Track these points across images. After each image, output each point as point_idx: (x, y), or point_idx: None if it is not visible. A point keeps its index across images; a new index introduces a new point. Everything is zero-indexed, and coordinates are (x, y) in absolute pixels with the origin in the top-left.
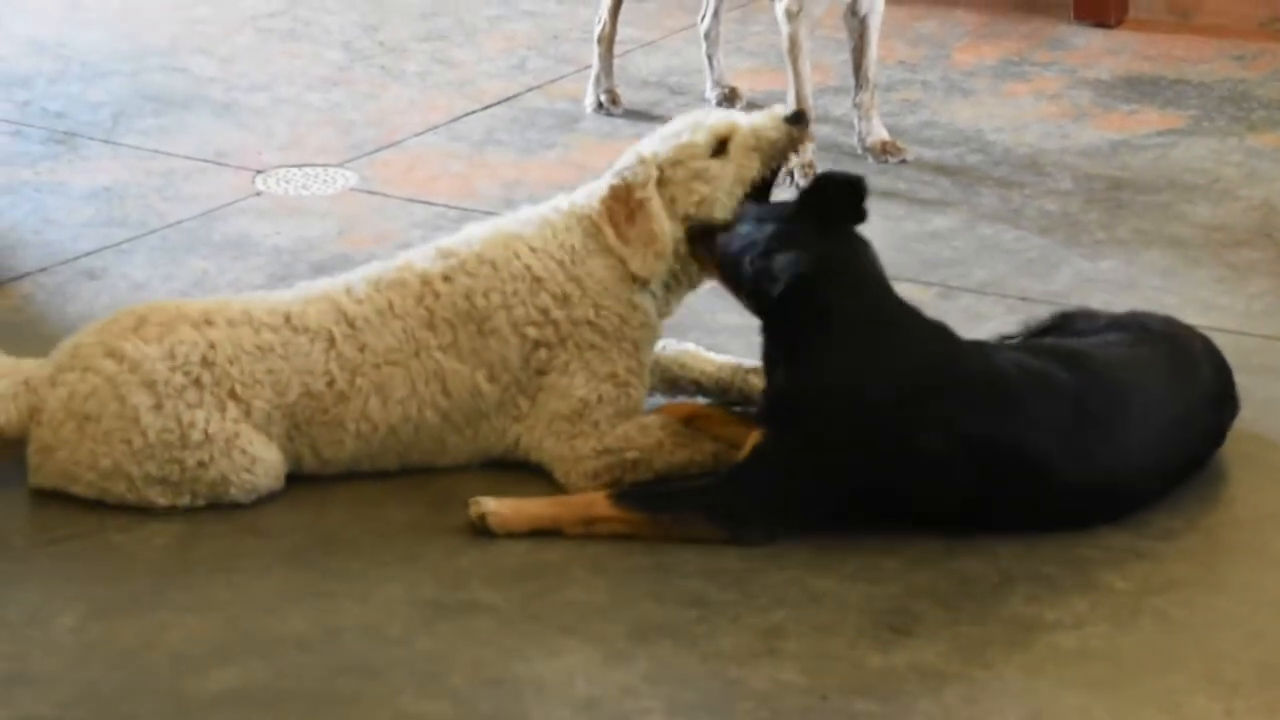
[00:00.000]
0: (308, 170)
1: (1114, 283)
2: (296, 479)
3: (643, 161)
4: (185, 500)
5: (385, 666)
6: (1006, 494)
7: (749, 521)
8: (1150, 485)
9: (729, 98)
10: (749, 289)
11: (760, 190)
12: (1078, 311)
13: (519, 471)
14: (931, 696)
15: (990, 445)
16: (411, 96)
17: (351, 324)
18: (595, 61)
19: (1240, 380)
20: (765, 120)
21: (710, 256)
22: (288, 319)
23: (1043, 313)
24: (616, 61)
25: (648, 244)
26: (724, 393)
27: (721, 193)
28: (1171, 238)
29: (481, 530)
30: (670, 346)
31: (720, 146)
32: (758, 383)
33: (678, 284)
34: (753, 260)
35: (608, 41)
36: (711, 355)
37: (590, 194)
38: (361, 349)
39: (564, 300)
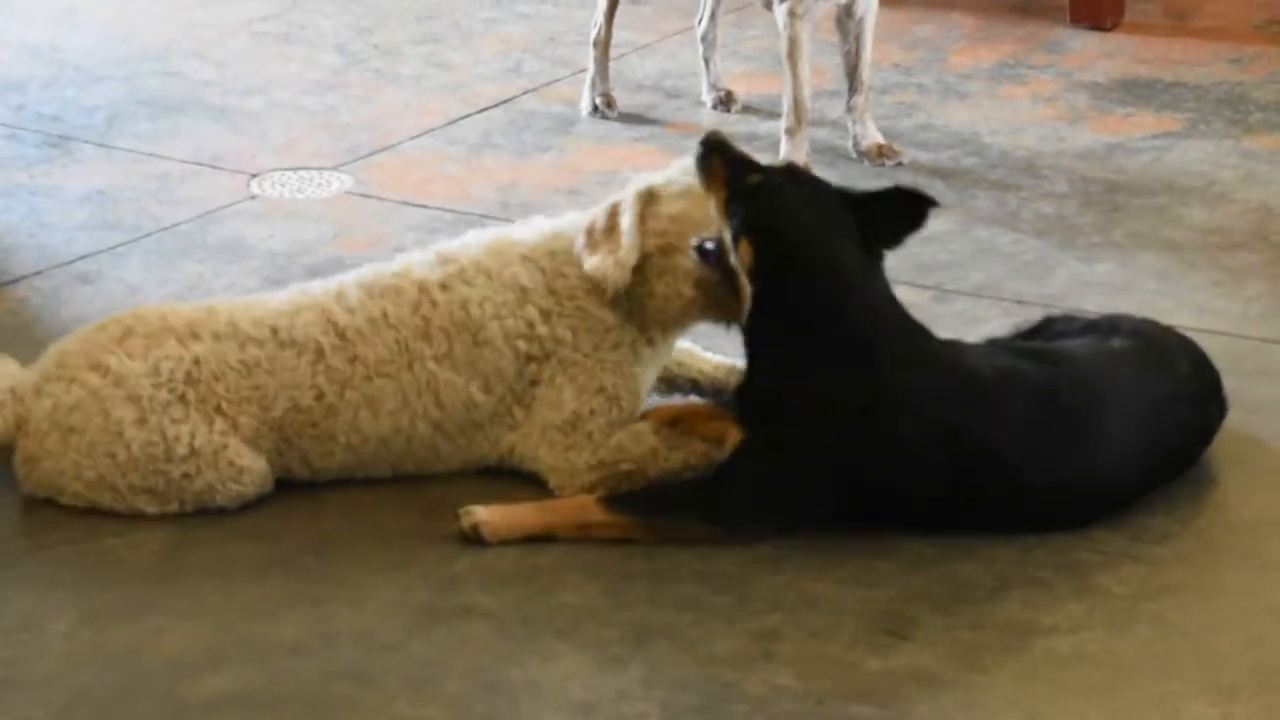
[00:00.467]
0: (303, 173)
1: (1110, 286)
2: (289, 485)
3: (646, 181)
4: (174, 507)
5: (379, 672)
6: (982, 490)
7: (740, 521)
8: (1128, 478)
9: (725, 101)
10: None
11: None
12: (1059, 316)
13: (512, 476)
14: (928, 701)
15: (965, 442)
16: (406, 100)
17: (342, 335)
18: (590, 65)
19: (1235, 383)
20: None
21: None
22: (275, 332)
23: (1038, 316)
24: (612, 65)
25: (610, 250)
26: (720, 393)
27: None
28: (1167, 241)
29: (474, 540)
30: None
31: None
32: None
33: (657, 314)
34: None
35: (603, 45)
36: (708, 355)
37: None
38: (352, 361)
39: (546, 316)
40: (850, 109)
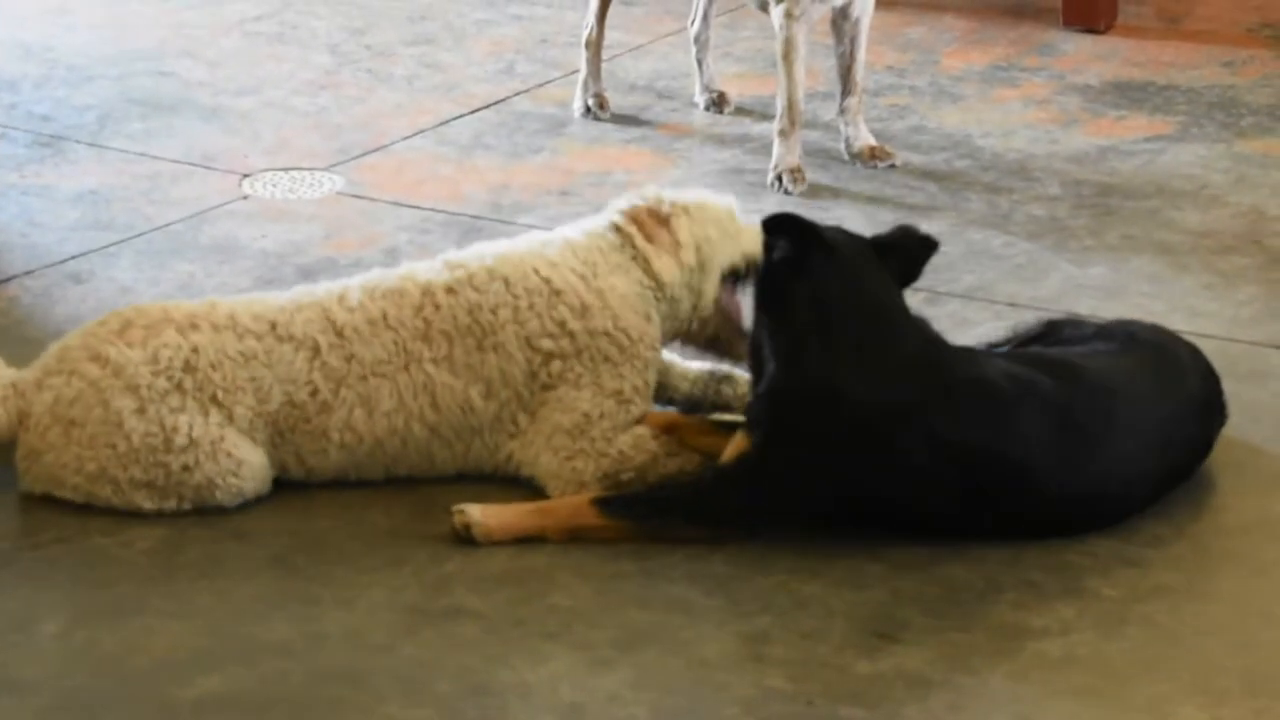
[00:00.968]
0: (294, 174)
1: (1102, 289)
2: (281, 484)
3: (661, 199)
4: (172, 504)
5: (369, 673)
6: (991, 502)
7: (732, 523)
8: (1135, 494)
9: (717, 102)
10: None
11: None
12: (1065, 319)
13: (504, 478)
14: (917, 703)
15: (976, 453)
16: (399, 100)
17: (339, 333)
18: (583, 66)
19: (1227, 387)
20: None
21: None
22: (273, 326)
23: (1030, 318)
24: (604, 66)
25: (672, 250)
26: (698, 402)
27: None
28: (1160, 244)
29: (465, 539)
30: None
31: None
32: (729, 391)
33: (675, 325)
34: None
35: (595, 46)
36: (686, 364)
37: (600, 221)
38: (348, 360)
39: (583, 312)
40: (843, 111)
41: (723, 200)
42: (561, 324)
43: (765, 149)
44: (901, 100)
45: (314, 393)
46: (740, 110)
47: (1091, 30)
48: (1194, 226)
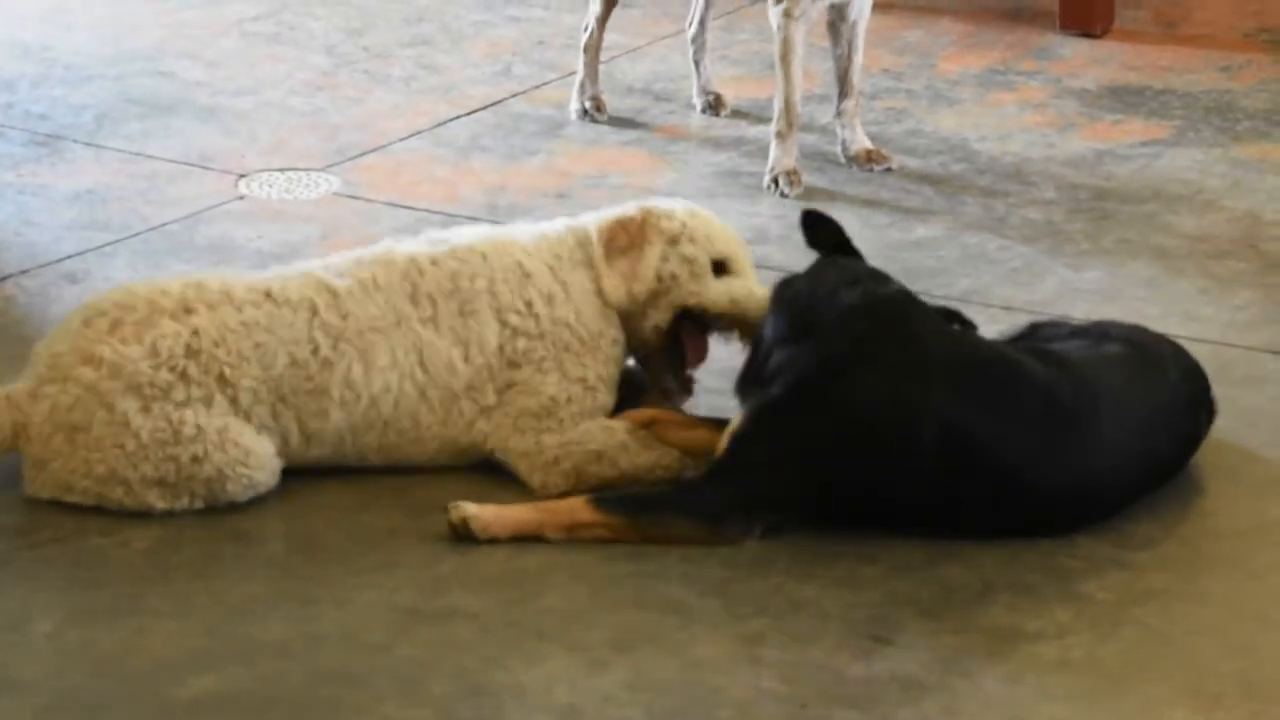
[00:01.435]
0: (291, 174)
1: (1098, 293)
2: (279, 484)
3: (671, 215)
4: (184, 502)
5: (365, 673)
6: (983, 490)
7: (729, 518)
8: (1120, 485)
9: (714, 105)
10: None
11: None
12: (1045, 322)
13: (497, 478)
14: (912, 706)
15: (972, 440)
16: (396, 101)
17: (334, 294)
18: (580, 69)
19: (1222, 391)
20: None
21: None
22: (268, 294)
23: (1025, 322)
24: (602, 68)
25: (626, 276)
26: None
27: (693, 287)
28: (1156, 248)
29: (462, 535)
30: None
31: (720, 267)
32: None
33: (639, 335)
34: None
35: (594, 49)
36: None
37: (593, 220)
38: (344, 317)
39: (549, 299)
40: (839, 114)
41: (728, 244)
42: (529, 304)
43: (762, 151)
44: (898, 103)
45: (315, 350)
46: (737, 113)
47: (1088, 34)
48: (1190, 231)
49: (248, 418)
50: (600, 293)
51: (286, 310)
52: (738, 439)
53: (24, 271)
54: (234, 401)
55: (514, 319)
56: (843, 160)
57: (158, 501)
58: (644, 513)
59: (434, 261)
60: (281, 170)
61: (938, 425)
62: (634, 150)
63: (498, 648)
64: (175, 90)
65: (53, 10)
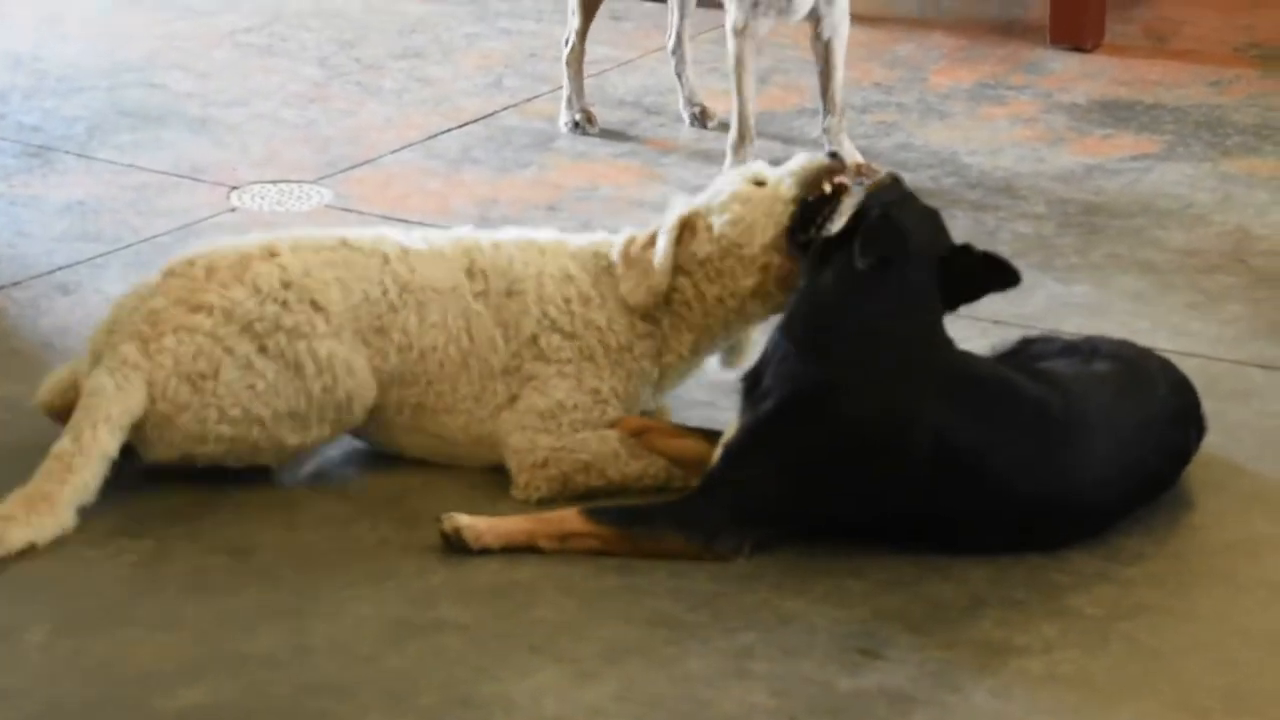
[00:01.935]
0: (283, 186)
1: (1087, 307)
2: (265, 495)
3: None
4: (313, 434)
5: (354, 685)
6: (975, 503)
7: (721, 531)
8: (1110, 499)
9: (700, 117)
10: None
11: (806, 214)
12: (1036, 337)
13: (489, 491)
14: (900, 719)
15: (965, 453)
16: (388, 114)
17: (404, 250)
18: (565, 83)
19: (1210, 405)
20: (800, 158)
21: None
22: (344, 241)
23: (1015, 336)
24: (592, 81)
25: (643, 274)
26: None
27: (760, 213)
28: (1145, 262)
29: (454, 545)
30: None
31: (759, 183)
32: None
33: (704, 318)
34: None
35: (577, 62)
36: None
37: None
38: (411, 271)
39: (585, 301)
40: (825, 130)
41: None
42: (567, 301)
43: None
44: (889, 117)
45: (384, 292)
46: (724, 125)
47: (1079, 49)
48: (1179, 245)
49: (339, 342)
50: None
51: (359, 255)
52: (731, 452)
53: (16, 283)
54: (329, 325)
55: (552, 311)
56: None
57: (291, 437)
58: (636, 525)
59: (495, 245)
60: (273, 182)
61: (933, 441)
62: (625, 162)
63: (487, 659)
64: (167, 102)
65: (45, 22)
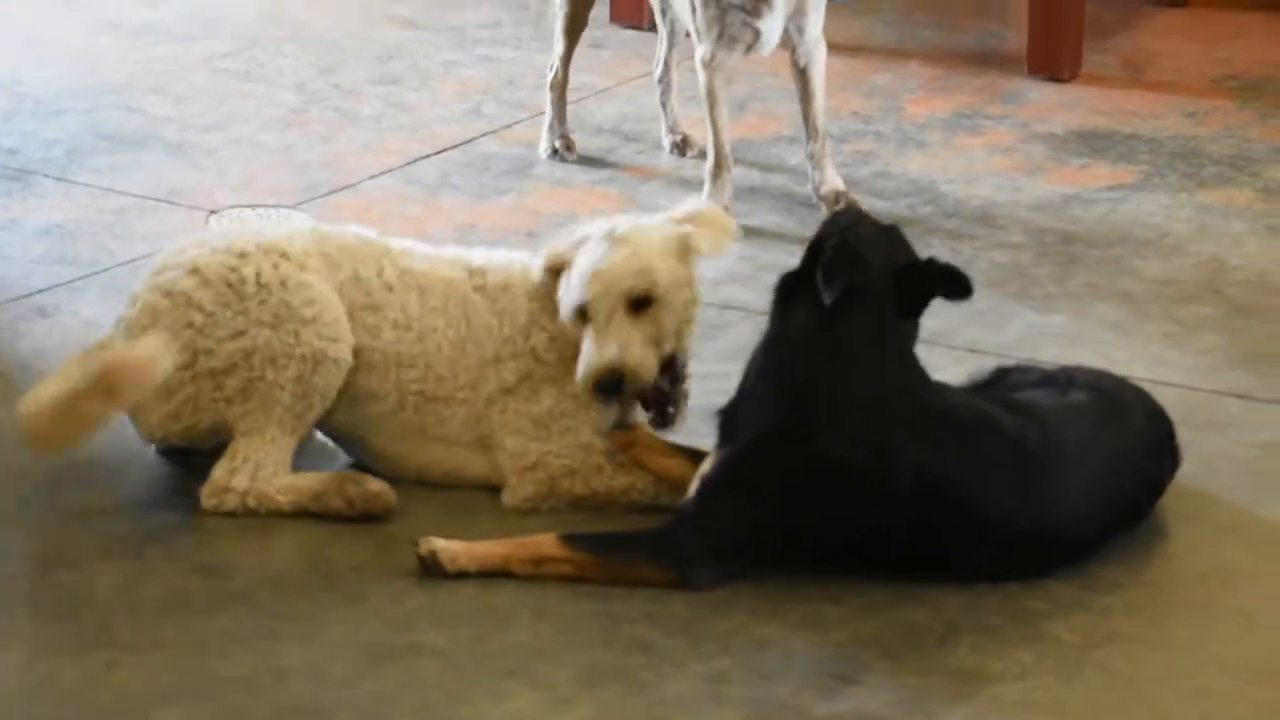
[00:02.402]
0: (261, 211)
1: (1064, 336)
2: (243, 518)
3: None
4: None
5: (330, 708)
6: (952, 535)
7: (696, 563)
8: (1086, 530)
9: (681, 146)
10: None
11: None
12: (1013, 367)
13: (466, 515)
14: None
15: (942, 485)
16: (366, 139)
17: (407, 248)
18: (548, 109)
19: (1186, 435)
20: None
21: None
22: (352, 232)
23: (991, 365)
24: (572, 108)
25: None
26: None
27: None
28: (1122, 292)
29: (430, 569)
30: None
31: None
32: None
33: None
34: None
35: (560, 88)
36: None
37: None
38: (412, 259)
39: (549, 339)
40: (809, 156)
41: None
42: (557, 304)
43: (732, 194)
44: (866, 146)
45: (380, 273)
46: (704, 154)
47: (1056, 79)
48: (1156, 275)
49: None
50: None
51: (360, 242)
52: (707, 486)
53: None
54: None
55: (545, 320)
56: (814, 201)
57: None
58: (611, 552)
59: (490, 257)
60: (251, 206)
61: (913, 478)
62: (604, 190)
63: (463, 684)
64: (145, 125)
65: (23, 45)
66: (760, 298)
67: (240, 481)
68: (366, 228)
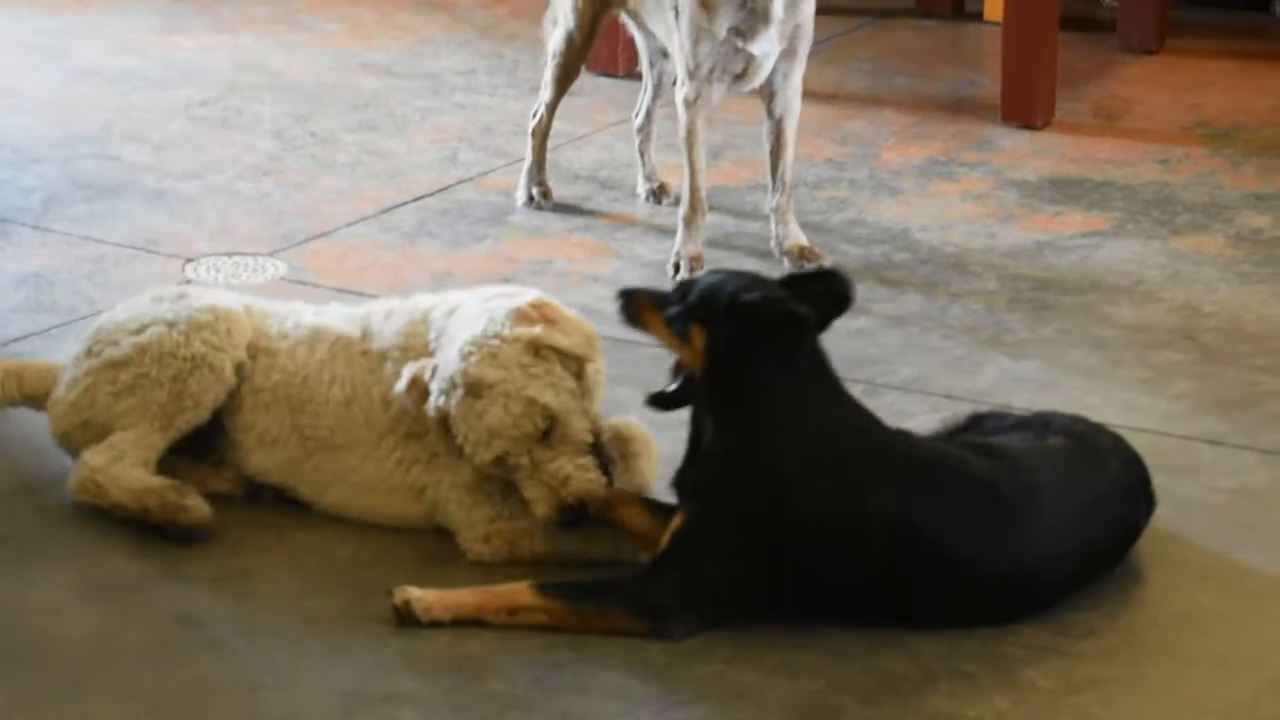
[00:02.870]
0: (238, 259)
1: (1037, 382)
2: (220, 567)
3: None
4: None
5: None
6: (925, 581)
7: (670, 614)
8: (1060, 575)
9: (658, 193)
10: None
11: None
12: (988, 413)
13: (443, 563)
14: None
15: (914, 532)
16: (342, 187)
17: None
18: (528, 155)
19: (1159, 480)
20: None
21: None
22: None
23: (966, 411)
24: (548, 155)
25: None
26: None
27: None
28: (1095, 339)
29: (405, 618)
30: None
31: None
32: None
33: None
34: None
35: (542, 135)
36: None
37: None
38: (313, 316)
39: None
40: (773, 210)
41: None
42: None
43: (707, 240)
44: (840, 193)
45: (283, 325)
46: (679, 201)
47: (1029, 126)
48: (1129, 321)
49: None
50: None
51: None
52: (679, 542)
53: None
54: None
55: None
56: (776, 255)
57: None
58: (586, 601)
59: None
60: (228, 255)
61: (885, 527)
62: (580, 237)
63: None
64: (122, 174)
65: None
66: None
67: (98, 460)
68: (320, 299)
